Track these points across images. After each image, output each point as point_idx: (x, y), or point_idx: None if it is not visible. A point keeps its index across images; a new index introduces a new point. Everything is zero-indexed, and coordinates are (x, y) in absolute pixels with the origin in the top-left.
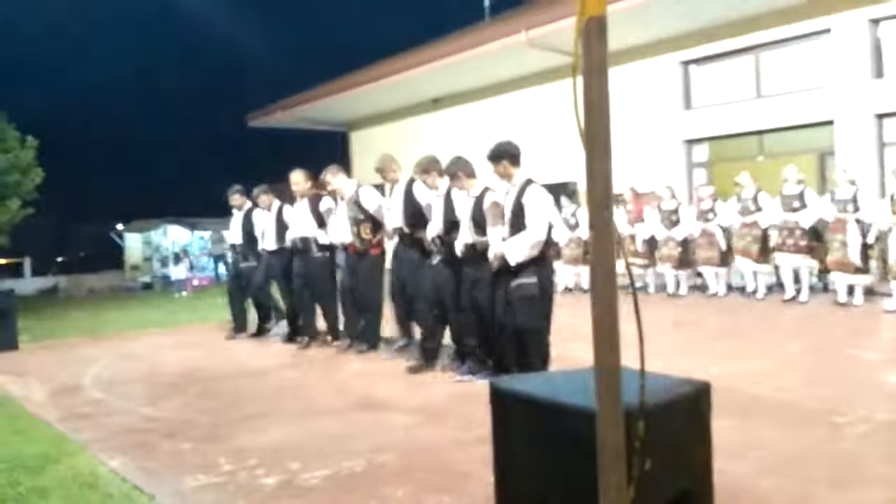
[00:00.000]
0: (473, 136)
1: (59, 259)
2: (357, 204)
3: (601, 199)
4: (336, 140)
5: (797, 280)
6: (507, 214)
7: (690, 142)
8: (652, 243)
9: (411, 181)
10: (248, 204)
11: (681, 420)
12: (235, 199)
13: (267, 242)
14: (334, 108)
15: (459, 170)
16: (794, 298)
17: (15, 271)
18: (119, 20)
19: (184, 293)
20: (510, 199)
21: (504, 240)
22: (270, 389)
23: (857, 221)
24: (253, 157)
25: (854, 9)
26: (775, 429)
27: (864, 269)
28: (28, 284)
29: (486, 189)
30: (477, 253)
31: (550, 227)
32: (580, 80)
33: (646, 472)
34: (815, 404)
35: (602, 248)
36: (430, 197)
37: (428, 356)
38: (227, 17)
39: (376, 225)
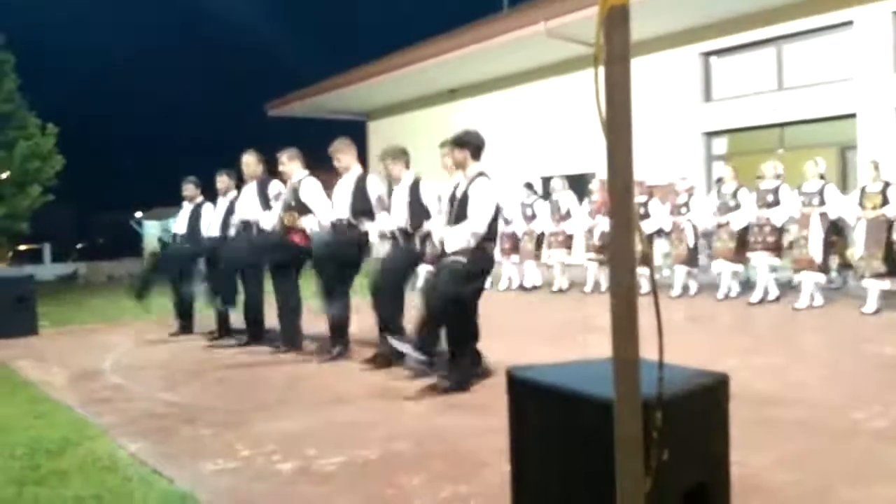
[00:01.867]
0: (491, 127)
1: (79, 245)
2: (295, 191)
3: (622, 189)
4: (355, 129)
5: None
6: (455, 204)
7: (710, 134)
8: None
9: (364, 176)
10: (201, 198)
11: (699, 411)
12: (189, 189)
13: (211, 229)
14: (353, 97)
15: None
16: (762, 300)
17: (35, 257)
18: (141, 11)
19: None
20: (460, 189)
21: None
22: (287, 378)
23: (822, 216)
24: (272, 146)
25: (877, 1)
26: (791, 423)
27: (823, 268)
28: (48, 270)
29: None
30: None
31: (495, 221)
32: (601, 69)
33: (663, 462)
34: (828, 400)
35: (622, 239)
36: (381, 189)
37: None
38: (248, 9)
39: (303, 216)
